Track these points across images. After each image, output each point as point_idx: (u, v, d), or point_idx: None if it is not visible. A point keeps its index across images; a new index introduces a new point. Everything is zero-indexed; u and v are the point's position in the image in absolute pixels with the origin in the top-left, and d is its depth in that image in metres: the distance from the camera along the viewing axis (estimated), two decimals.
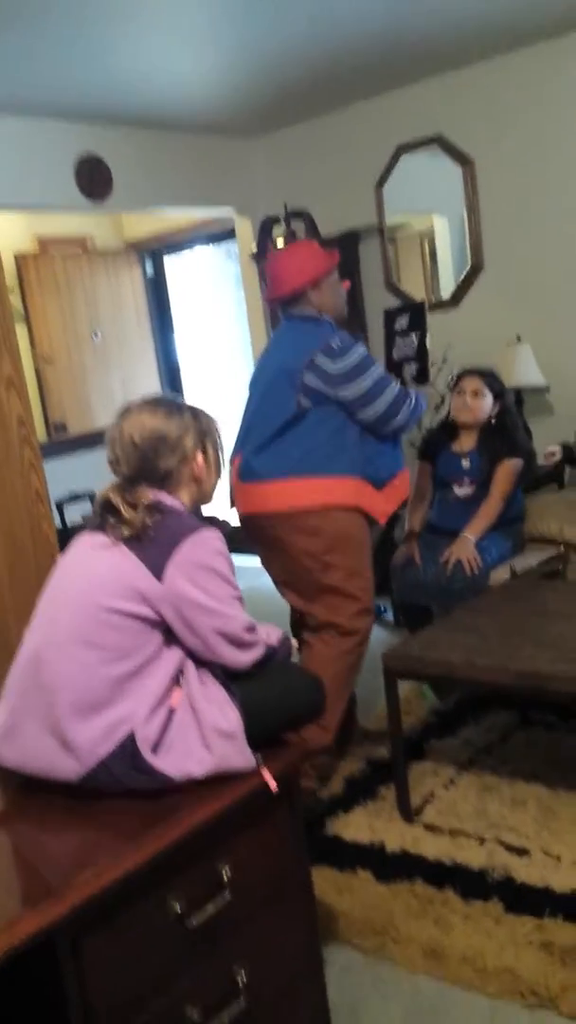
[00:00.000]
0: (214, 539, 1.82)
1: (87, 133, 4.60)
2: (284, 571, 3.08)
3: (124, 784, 1.70)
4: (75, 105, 4.31)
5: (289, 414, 2.95)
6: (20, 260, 5.76)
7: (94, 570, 1.79)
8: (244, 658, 1.85)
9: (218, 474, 2.00)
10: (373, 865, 2.59)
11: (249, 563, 5.82)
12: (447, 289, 4.97)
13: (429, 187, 4.98)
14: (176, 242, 6.47)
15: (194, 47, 3.81)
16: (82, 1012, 1.46)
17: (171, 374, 6.76)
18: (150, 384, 6.57)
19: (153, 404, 1.92)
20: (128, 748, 1.69)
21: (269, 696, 1.88)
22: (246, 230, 5.48)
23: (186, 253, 6.61)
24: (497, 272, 4.78)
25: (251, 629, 1.87)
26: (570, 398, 4.60)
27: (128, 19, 3.38)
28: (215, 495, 2.03)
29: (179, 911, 1.60)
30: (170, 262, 6.67)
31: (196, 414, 1.96)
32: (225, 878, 1.69)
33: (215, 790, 1.71)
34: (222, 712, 1.76)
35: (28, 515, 2.85)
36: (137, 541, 1.78)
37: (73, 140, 4.55)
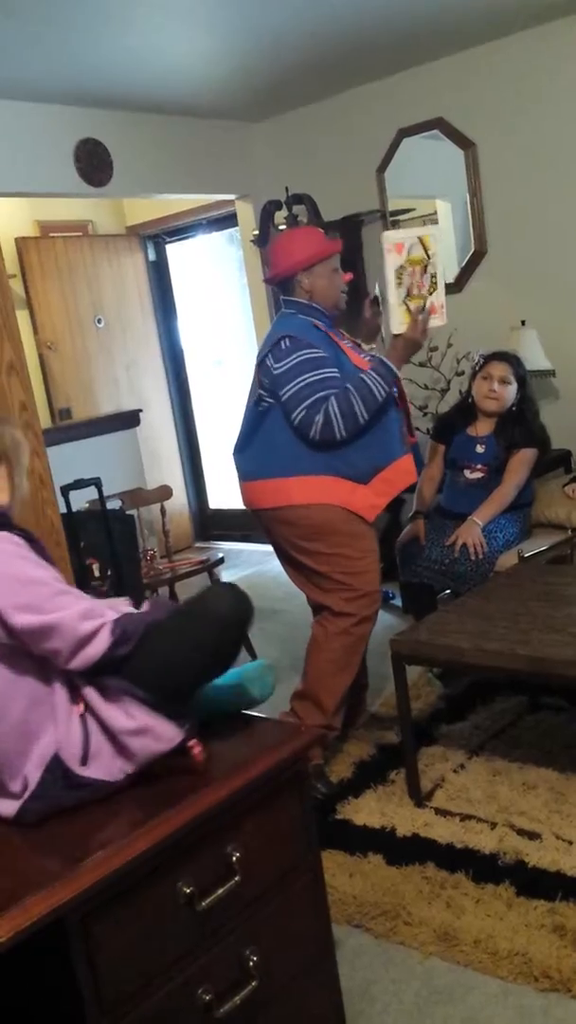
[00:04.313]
0: (2, 542, 1.61)
1: (86, 117, 4.57)
2: (283, 557, 3.12)
3: (63, 804, 1.62)
4: (74, 89, 4.27)
5: (257, 411, 2.96)
6: (20, 244, 5.71)
7: None
8: (92, 651, 1.59)
9: (14, 494, 1.82)
10: (384, 849, 2.59)
11: (256, 548, 5.76)
12: (451, 273, 4.93)
13: (431, 171, 4.95)
14: (178, 227, 6.43)
15: (194, 31, 3.77)
16: (93, 995, 1.45)
17: (174, 359, 6.73)
18: (154, 369, 6.55)
19: None
20: (56, 769, 1.61)
21: (186, 640, 1.65)
22: (247, 214, 5.46)
23: (188, 238, 6.58)
24: (501, 256, 4.75)
25: (87, 616, 1.59)
26: None
27: (128, 3, 3.35)
28: (16, 513, 1.83)
29: (189, 894, 1.59)
30: (172, 247, 6.64)
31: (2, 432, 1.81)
32: (235, 861, 1.67)
33: (224, 774, 1.70)
34: (126, 712, 1.62)
35: (32, 501, 2.84)
36: None
37: (72, 124, 4.52)
